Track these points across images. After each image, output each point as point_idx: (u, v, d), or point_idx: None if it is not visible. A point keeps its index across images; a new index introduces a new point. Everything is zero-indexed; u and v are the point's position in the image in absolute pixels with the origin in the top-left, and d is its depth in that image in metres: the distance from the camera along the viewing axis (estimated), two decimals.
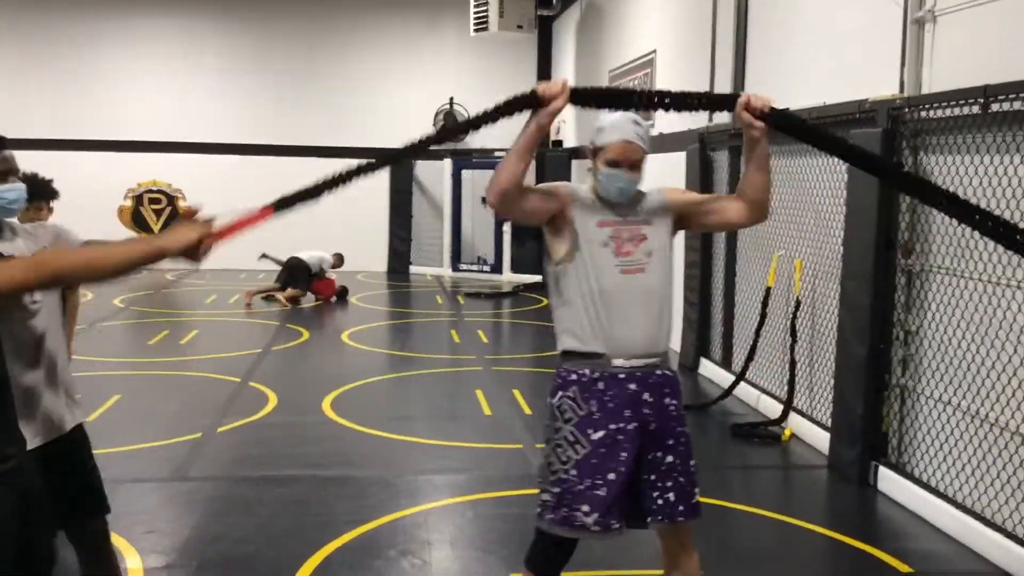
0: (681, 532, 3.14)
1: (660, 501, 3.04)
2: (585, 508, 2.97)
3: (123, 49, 16.70)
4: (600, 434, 2.99)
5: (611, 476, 2.97)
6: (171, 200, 17.05)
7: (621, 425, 3.00)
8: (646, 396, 3.04)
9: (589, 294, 3.02)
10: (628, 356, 3.02)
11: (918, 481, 5.13)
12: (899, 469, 5.34)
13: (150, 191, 17.00)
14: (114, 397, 7.26)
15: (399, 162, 2.98)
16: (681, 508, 3.05)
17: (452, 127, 3.18)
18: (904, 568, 4.36)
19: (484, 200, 3.08)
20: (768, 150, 3.04)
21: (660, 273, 3.09)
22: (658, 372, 3.08)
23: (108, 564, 3.25)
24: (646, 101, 2.99)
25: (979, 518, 4.57)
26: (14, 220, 3.00)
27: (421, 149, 2.98)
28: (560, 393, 3.08)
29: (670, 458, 3.05)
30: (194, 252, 2.34)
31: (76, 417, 3.06)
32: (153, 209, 17.05)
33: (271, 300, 12.90)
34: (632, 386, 3.02)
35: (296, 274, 12.82)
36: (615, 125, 3.06)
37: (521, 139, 2.98)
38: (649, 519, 3.07)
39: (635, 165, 3.04)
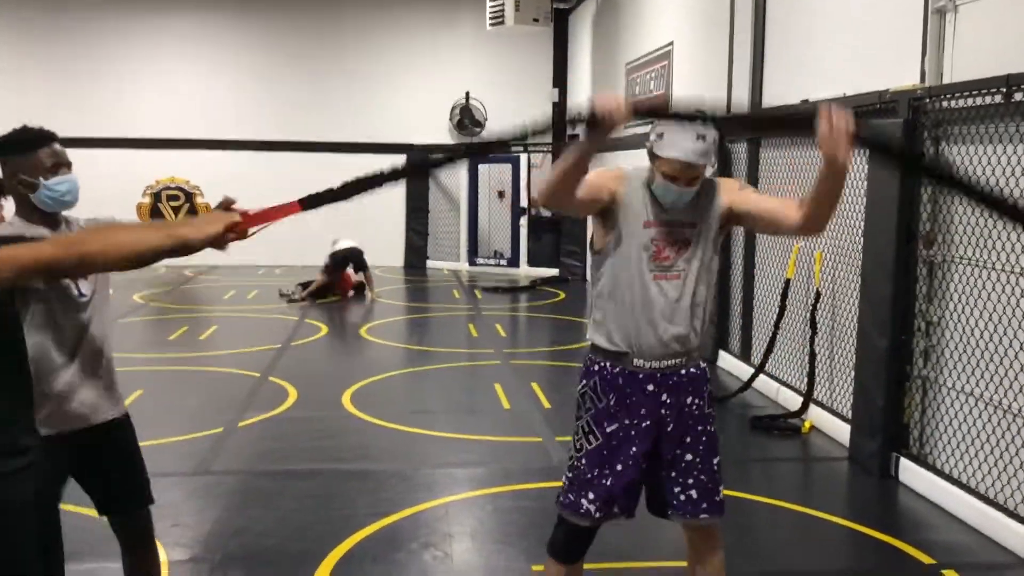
0: (706, 529, 3.13)
1: (682, 497, 3.06)
2: (590, 496, 3.03)
3: (143, 47, 16.77)
4: (613, 427, 3.02)
5: (618, 467, 3.01)
6: (189, 197, 17.14)
7: (635, 422, 3.01)
8: (664, 397, 3.03)
9: (620, 293, 2.99)
10: (650, 358, 3.00)
11: (940, 472, 5.11)
12: (921, 461, 5.31)
13: (168, 188, 17.09)
14: (136, 392, 7.30)
15: (435, 170, 2.92)
16: (704, 506, 3.06)
17: (502, 139, 2.92)
18: (927, 559, 4.34)
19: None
20: (848, 167, 2.72)
21: (698, 280, 3.00)
22: (682, 372, 3.05)
23: (146, 557, 3.28)
24: (713, 120, 2.76)
25: (1002, 509, 4.55)
26: (71, 213, 3.03)
27: (473, 151, 2.85)
28: (584, 382, 3.11)
29: (690, 456, 3.05)
30: (219, 242, 2.32)
31: (113, 410, 3.08)
32: (172, 206, 17.14)
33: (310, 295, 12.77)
34: (651, 387, 3.02)
35: (351, 263, 12.84)
36: (676, 139, 2.83)
37: (573, 157, 2.75)
38: (670, 512, 3.10)
39: (692, 180, 2.91)
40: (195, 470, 5.54)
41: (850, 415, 5.96)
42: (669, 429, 3.03)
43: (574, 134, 16.35)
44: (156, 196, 17.10)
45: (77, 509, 3.62)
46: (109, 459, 3.10)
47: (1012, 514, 4.48)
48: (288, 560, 4.27)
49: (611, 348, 3.03)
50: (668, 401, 3.03)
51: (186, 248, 2.22)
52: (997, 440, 4.67)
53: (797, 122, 3.20)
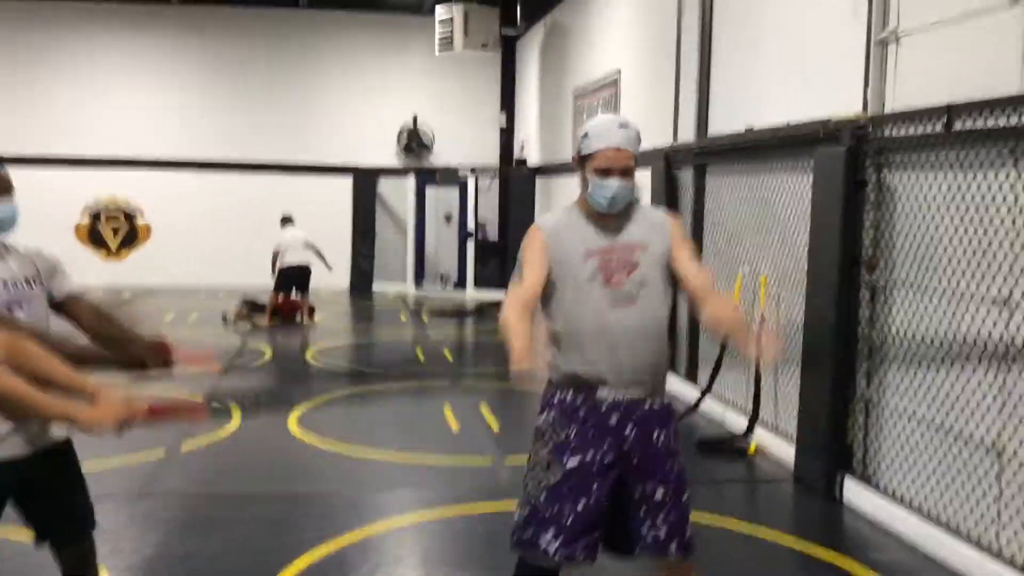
0: (678, 569, 3.04)
1: (650, 538, 2.94)
2: (550, 533, 2.89)
3: (85, 64, 16.50)
4: (574, 462, 2.90)
5: (579, 506, 2.88)
6: (130, 218, 16.84)
7: (598, 457, 2.90)
8: (628, 430, 2.93)
9: (575, 329, 2.91)
10: (613, 388, 2.91)
11: (884, 492, 5.20)
12: (865, 481, 5.40)
13: (108, 208, 16.76)
14: None
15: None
16: (673, 544, 2.95)
17: None
18: None
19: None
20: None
21: (654, 304, 2.94)
22: (646, 406, 2.95)
23: None
24: None
25: (944, 527, 4.64)
26: (7, 239, 2.97)
27: None
28: (544, 415, 3.00)
29: (660, 492, 2.94)
30: (113, 430, 2.40)
31: (55, 433, 2.99)
32: (111, 227, 16.82)
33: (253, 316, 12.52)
34: (614, 418, 2.92)
35: (297, 283, 12.55)
36: (600, 131, 2.93)
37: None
38: (638, 550, 2.97)
39: (627, 171, 2.91)
40: (137, 494, 5.41)
41: (795, 437, 6.04)
42: (635, 462, 2.93)
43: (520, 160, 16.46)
44: (95, 216, 16.77)
45: (10, 536, 3.51)
46: (54, 485, 3.01)
47: (955, 533, 4.57)
48: None
49: (571, 380, 2.94)
50: (631, 434, 2.93)
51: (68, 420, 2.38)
52: (940, 460, 4.76)
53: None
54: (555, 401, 2.97)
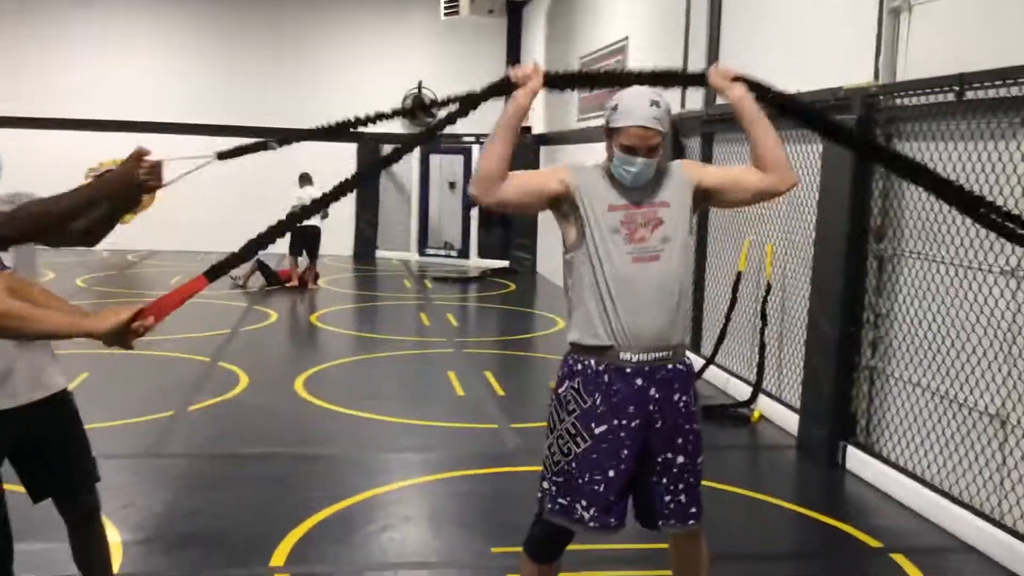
0: (693, 531, 3.07)
1: (672, 505, 2.96)
2: (584, 503, 2.90)
3: (87, 26, 16.42)
4: (602, 428, 2.88)
5: (611, 473, 2.89)
6: None
7: (624, 422, 2.88)
8: (653, 392, 2.90)
9: (598, 284, 2.88)
10: (637, 350, 2.87)
11: (887, 460, 5.24)
12: (867, 449, 5.45)
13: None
14: (82, 375, 7.16)
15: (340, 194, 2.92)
16: (693, 511, 2.99)
17: (430, 128, 3.12)
18: (874, 543, 4.46)
19: (468, 197, 2.94)
20: (755, 107, 3.00)
21: (678, 261, 2.91)
22: (669, 367, 2.93)
23: (93, 538, 3.21)
24: (619, 80, 2.95)
25: (946, 495, 4.69)
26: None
27: (397, 158, 2.99)
28: (566, 383, 2.97)
29: (681, 459, 2.94)
30: (124, 336, 2.33)
31: (53, 383, 2.99)
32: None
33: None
34: (639, 381, 2.89)
35: (308, 246, 12.40)
36: (631, 107, 2.85)
37: (501, 120, 2.92)
38: (661, 523, 2.99)
39: (652, 150, 2.85)
40: (146, 452, 5.46)
41: (799, 405, 6.08)
42: (658, 426, 2.92)
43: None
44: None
45: (17, 488, 3.56)
46: (55, 437, 3.01)
47: (957, 500, 4.61)
48: (244, 542, 4.24)
49: (594, 344, 2.90)
50: (657, 396, 2.90)
51: (91, 336, 2.32)
52: (943, 429, 4.80)
53: (692, 76, 3.57)
54: (578, 368, 2.95)
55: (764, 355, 6.66)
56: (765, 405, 6.66)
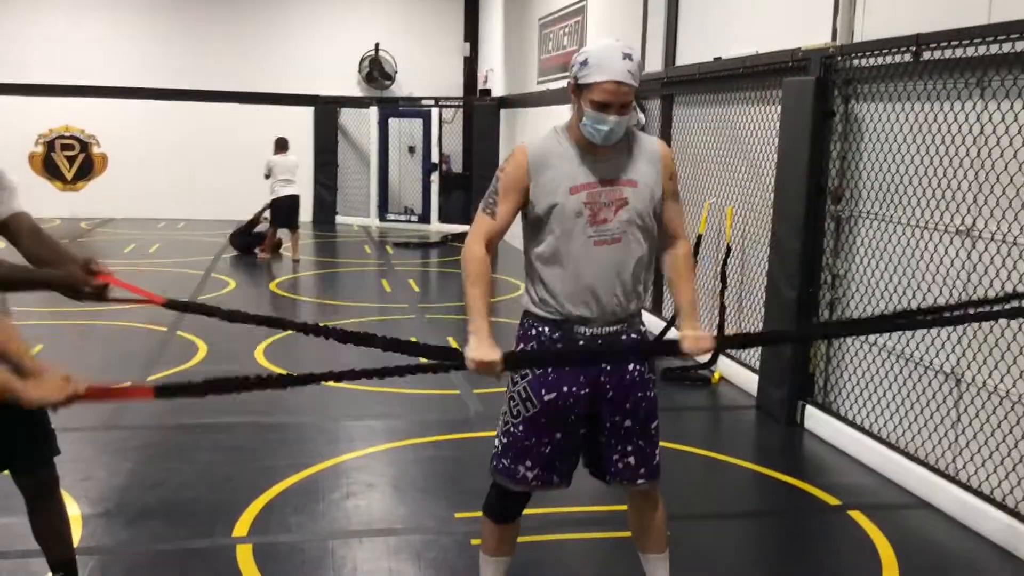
0: (645, 491, 3.10)
1: (620, 464, 2.99)
2: (528, 463, 2.94)
3: None
4: (552, 395, 2.90)
5: (557, 435, 2.92)
6: (84, 146, 16.48)
7: (574, 389, 2.90)
8: (605, 363, 2.93)
9: (556, 261, 2.85)
10: (592, 325, 2.88)
11: (844, 419, 5.33)
12: (825, 408, 5.53)
13: (62, 137, 16.39)
14: (36, 348, 7.05)
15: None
16: (642, 471, 3.01)
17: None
18: (832, 500, 4.54)
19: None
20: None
21: (639, 242, 2.86)
22: (623, 338, 2.93)
23: (53, 512, 3.17)
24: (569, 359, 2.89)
25: (903, 452, 4.78)
26: None
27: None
28: (521, 346, 2.97)
29: (629, 422, 2.97)
30: (51, 406, 2.34)
31: None
32: (66, 156, 16.46)
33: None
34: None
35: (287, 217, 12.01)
36: (603, 60, 2.72)
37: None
38: (608, 478, 3.04)
39: (624, 107, 2.74)
40: (105, 424, 5.39)
41: (758, 366, 6.15)
42: (609, 396, 2.94)
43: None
44: (50, 145, 16.40)
45: None
46: (11, 411, 2.95)
47: (912, 457, 4.71)
48: (207, 511, 4.22)
49: (550, 316, 2.90)
50: (608, 367, 2.92)
51: (10, 394, 2.28)
52: (899, 388, 4.88)
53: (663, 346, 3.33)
54: (532, 334, 2.95)
55: (724, 317, 6.71)
56: (725, 366, 6.73)
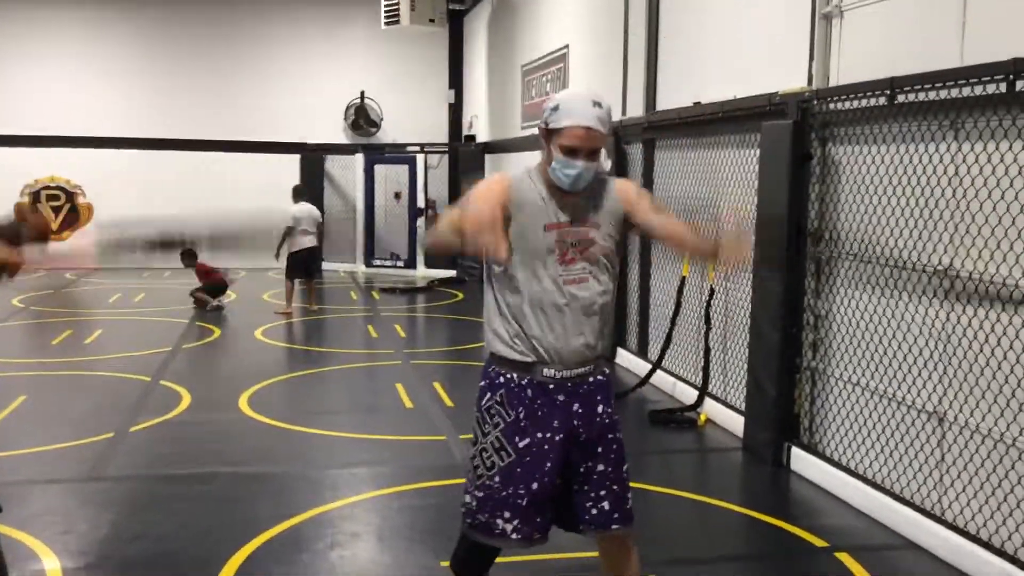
0: (620, 537, 3.05)
1: (594, 511, 2.95)
2: (507, 515, 2.87)
3: (20, 39, 16.07)
4: (526, 442, 2.86)
5: (534, 485, 2.87)
6: (70, 196, 16.49)
7: (548, 435, 2.87)
8: (576, 407, 2.90)
9: (524, 303, 2.84)
10: (560, 367, 2.87)
11: (830, 460, 5.32)
12: (811, 449, 5.52)
13: (48, 187, 16.41)
14: (19, 398, 7.00)
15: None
16: (616, 516, 2.96)
17: None
18: (819, 543, 4.52)
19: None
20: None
21: (604, 282, 2.89)
22: (590, 379, 2.93)
23: None
24: None
25: (889, 493, 4.77)
26: None
27: None
28: (489, 395, 2.94)
29: (601, 467, 2.94)
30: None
31: None
32: (51, 206, 16.47)
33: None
34: (561, 397, 2.89)
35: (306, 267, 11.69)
36: (572, 107, 2.76)
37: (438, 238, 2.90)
38: (582, 527, 2.99)
39: (593, 153, 2.78)
40: (87, 476, 5.34)
41: (744, 407, 6.15)
42: (581, 439, 2.92)
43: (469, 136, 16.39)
44: (35, 196, 16.40)
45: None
46: None
47: (898, 498, 4.70)
48: (189, 564, 4.16)
49: (517, 359, 2.87)
50: (579, 411, 2.90)
51: None
52: (883, 427, 4.89)
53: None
54: (499, 381, 2.92)
55: (709, 359, 6.72)
56: (711, 408, 6.72)
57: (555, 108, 2.79)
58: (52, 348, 9.34)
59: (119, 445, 5.96)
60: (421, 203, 16.06)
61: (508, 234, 2.82)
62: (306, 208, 11.54)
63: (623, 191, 2.98)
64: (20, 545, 4.25)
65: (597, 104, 2.77)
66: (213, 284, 11.96)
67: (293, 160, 16.65)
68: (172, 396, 7.25)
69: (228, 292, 12.35)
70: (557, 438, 2.88)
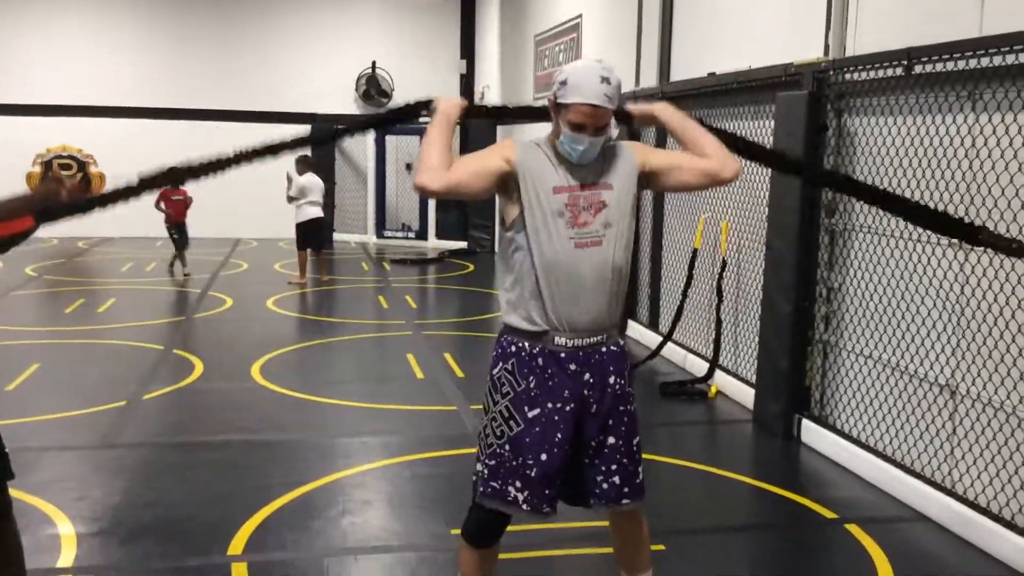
0: (630, 512, 3.05)
1: (605, 485, 2.94)
2: (517, 484, 2.85)
3: (30, 11, 16.03)
4: (535, 412, 2.85)
5: (543, 456, 2.85)
6: (82, 165, 16.50)
7: (559, 405, 2.85)
8: (588, 377, 2.88)
9: (536, 268, 2.81)
10: (572, 335, 2.84)
11: (840, 432, 5.32)
12: (822, 421, 5.52)
13: (60, 156, 16.42)
14: (33, 366, 7.05)
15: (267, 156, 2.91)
16: (626, 491, 2.95)
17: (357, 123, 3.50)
18: (829, 514, 4.53)
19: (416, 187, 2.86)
20: (679, 116, 3.02)
21: (618, 246, 2.85)
22: (603, 350, 2.90)
23: (8, 538, 3.09)
24: (538, 115, 3.01)
25: (899, 466, 4.77)
26: None
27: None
28: (500, 364, 2.93)
29: (612, 440, 2.92)
30: None
31: None
32: (64, 175, 16.49)
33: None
34: (573, 366, 2.86)
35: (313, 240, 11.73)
36: (581, 82, 2.74)
37: (431, 126, 2.86)
38: (592, 501, 2.98)
39: (601, 129, 2.77)
40: (100, 443, 5.38)
41: (754, 379, 6.15)
42: (593, 410, 2.90)
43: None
44: (47, 165, 16.42)
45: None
46: None
47: (908, 470, 4.70)
48: (202, 530, 4.20)
49: (529, 328, 2.85)
50: (591, 381, 2.88)
51: None
52: (894, 400, 4.88)
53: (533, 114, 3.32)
54: (511, 350, 2.91)
55: (720, 331, 6.72)
56: (722, 380, 6.72)
57: (564, 82, 2.78)
58: (65, 316, 9.39)
59: (132, 413, 6.00)
60: None
61: (518, 199, 2.82)
62: (314, 179, 11.53)
63: (636, 148, 2.99)
64: (34, 510, 4.29)
65: (606, 80, 2.74)
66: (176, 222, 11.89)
67: (304, 131, 16.59)
68: (185, 365, 7.29)
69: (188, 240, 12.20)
70: (568, 408, 2.86)
